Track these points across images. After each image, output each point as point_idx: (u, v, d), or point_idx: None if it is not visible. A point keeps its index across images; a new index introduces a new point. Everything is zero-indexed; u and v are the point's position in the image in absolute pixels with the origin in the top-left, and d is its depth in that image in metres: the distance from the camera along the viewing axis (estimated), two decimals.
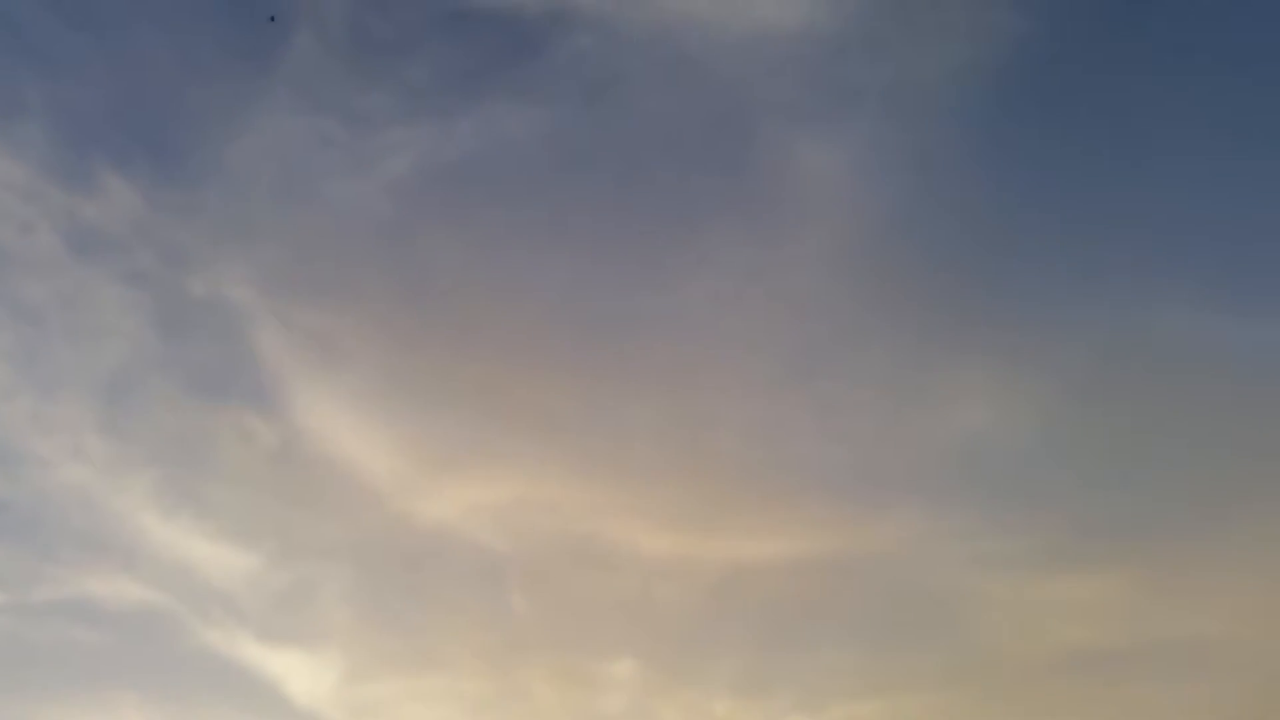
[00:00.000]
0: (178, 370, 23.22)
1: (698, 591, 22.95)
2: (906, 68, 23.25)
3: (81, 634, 21.51)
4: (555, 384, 23.93)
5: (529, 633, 22.64)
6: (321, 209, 24.03)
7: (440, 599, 22.94)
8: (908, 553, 22.40)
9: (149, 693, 21.14)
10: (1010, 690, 21.92)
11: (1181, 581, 22.03)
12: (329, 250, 24.11)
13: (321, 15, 23.15)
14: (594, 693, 22.32)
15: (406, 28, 23.56)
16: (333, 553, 22.87)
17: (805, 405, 23.56)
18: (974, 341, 23.17)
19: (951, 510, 22.53)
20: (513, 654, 22.65)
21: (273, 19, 21.49)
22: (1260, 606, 21.88)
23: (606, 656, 22.35)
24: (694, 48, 22.97)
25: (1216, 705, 21.07)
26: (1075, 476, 22.73)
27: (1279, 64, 22.85)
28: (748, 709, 22.30)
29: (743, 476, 23.26)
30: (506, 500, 23.32)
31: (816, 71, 23.34)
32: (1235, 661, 21.63)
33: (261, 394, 23.15)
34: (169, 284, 23.30)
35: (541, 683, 22.52)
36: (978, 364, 23.18)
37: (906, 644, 22.41)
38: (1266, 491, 22.44)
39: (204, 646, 21.60)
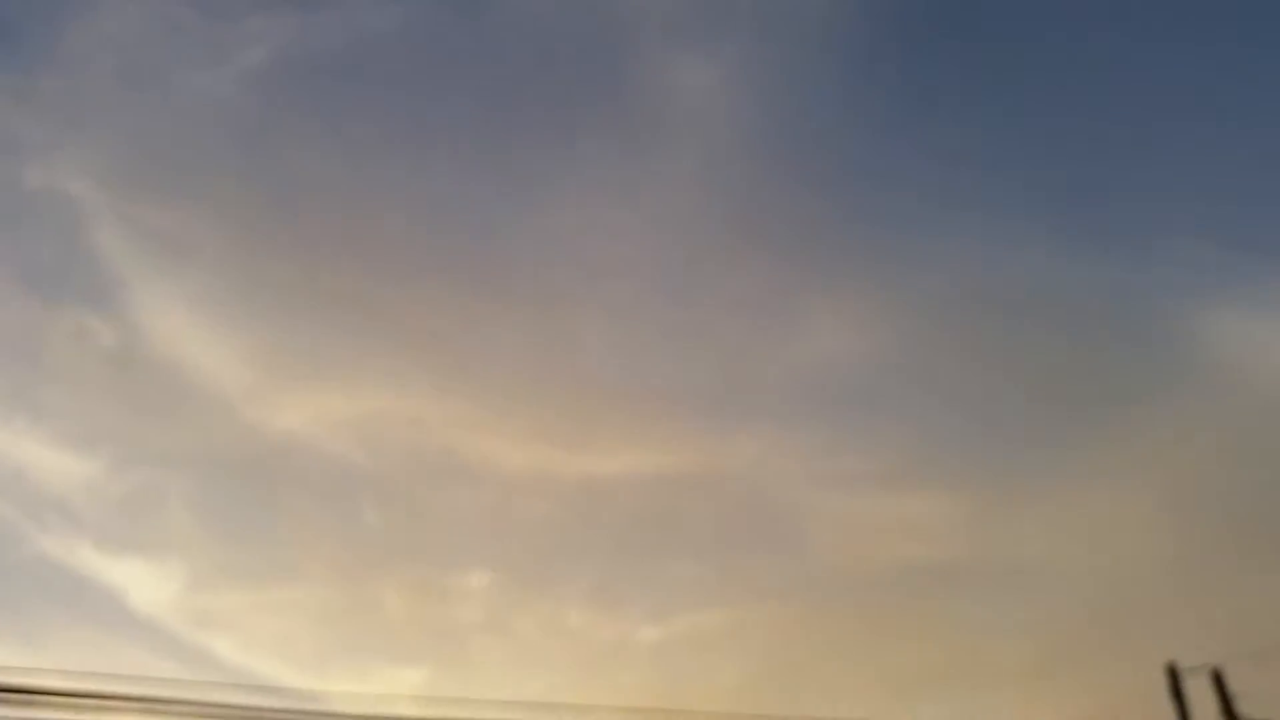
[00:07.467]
0: (9, 266, 21.99)
1: (556, 506, 23.18)
2: None
3: None
4: (420, 297, 23.52)
5: (383, 545, 22.53)
6: (170, 99, 22.83)
7: (291, 511, 22.63)
8: (758, 471, 23.05)
9: None
10: (847, 602, 22.93)
11: (1015, 506, 23.33)
12: (177, 144, 22.97)
13: None
14: (448, 604, 22.40)
15: None
16: (176, 460, 22.24)
17: (670, 327, 23.81)
18: (836, 267, 23.72)
19: (801, 431, 23.23)
20: (365, 566, 22.57)
21: None
22: (1087, 530, 23.32)
23: (462, 568, 22.45)
24: None
25: (1041, 621, 22.48)
26: (921, 402, 23.67)
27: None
28: (601, 620, 22.73)
29: (605, 395, 23.44)
30: (365, 413, 22.99)
31: None
32: (1060, 581, 23.09)
33: (100, 292, 22.14)
34: (1, 174, 21.96)
35: (394, 594, 22.46)
36: (838, 289, 23.78)
37: (753, 558, 23.17)
38: (1098, 423, 23.75)
39: (39, 554, 20.89)
